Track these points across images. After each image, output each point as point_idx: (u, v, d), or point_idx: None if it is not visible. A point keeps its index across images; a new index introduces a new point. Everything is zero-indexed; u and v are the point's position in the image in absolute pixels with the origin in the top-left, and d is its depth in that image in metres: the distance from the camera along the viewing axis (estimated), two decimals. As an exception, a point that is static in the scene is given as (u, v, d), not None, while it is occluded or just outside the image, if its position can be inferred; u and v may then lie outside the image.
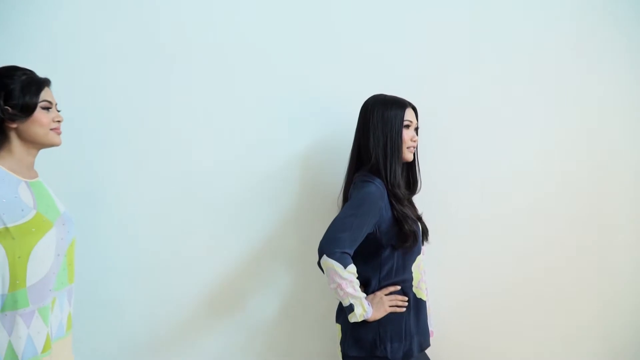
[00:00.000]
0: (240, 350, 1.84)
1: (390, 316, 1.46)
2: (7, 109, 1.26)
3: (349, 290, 1.38)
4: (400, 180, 1.53)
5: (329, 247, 1.37)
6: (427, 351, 1.60)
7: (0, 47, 1.74)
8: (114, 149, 1.79)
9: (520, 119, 1.88)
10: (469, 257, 1.87)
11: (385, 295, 1.48)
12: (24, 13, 1.77)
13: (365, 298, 1.43)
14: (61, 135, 1.36)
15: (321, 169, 1.84)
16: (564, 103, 1.88)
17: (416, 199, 1.66)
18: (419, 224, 1.57)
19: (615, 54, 1.89)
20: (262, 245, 1.84)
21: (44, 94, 1.32)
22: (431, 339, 1.61)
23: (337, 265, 1.36)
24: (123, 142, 1.80)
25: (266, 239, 1.84)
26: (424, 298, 1.56)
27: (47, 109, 1.32)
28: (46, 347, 1.27)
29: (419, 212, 1.63)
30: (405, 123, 1.53)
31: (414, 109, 1.59)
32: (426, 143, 1.74)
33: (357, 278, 1.41)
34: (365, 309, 1.41)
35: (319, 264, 1.41)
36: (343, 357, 1.51)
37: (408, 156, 1.56)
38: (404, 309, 1.49)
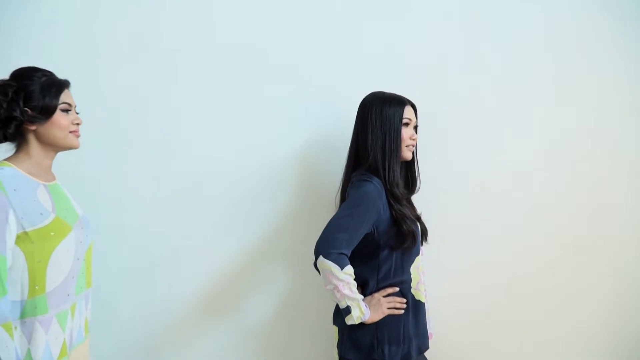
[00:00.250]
0: (237, 351, 1.84)
1: (388, 318, 1.44)
2: (26, 110, 1.22)
3: (346, 292, 1.35)
4: (399, 179, 1.50)
5: (325, 247, 1.34)
6: (426, 354, 1.58)
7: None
8: (112, 149, 1.79)
9: (520, 119, 1.87)
10: (469, 257, 1.86)
11: (383, 297, 1.45)
12: (24, 13, 1.76)
13: (363, 300, 1.41)
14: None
15: (320, 168, 1.84)
16: (564, 103, 1.88)
17: (415, 198, 1.65)
18: (418, 224, 1.55)
19: (615, 54, 1.89)
20: (259, 245, 1.84)
21: (64, 96, 1.28)
22: (430, 342, 1.60)
23: (333, 267, 1.32)
24: (122, 142, 1.80)
25: (263, 239, 1.84)
26: (422, 300, 1.54)
27: (66, 111, 1.29)
28: (62, 354, 1.24)
29: (418, 212, 1.61)
30: (405, 121, 1.50)
31: (414, 106, 1.56)
32: (425, 142, 1.73)
33: (355, 279, 1.38)
34: (362, 311, 1.38)
35: (315, 265, 1.38)
36: (340, 360, 1.49)
37: (407, 155, 1.53)
38: (402, 311, 1.46)
